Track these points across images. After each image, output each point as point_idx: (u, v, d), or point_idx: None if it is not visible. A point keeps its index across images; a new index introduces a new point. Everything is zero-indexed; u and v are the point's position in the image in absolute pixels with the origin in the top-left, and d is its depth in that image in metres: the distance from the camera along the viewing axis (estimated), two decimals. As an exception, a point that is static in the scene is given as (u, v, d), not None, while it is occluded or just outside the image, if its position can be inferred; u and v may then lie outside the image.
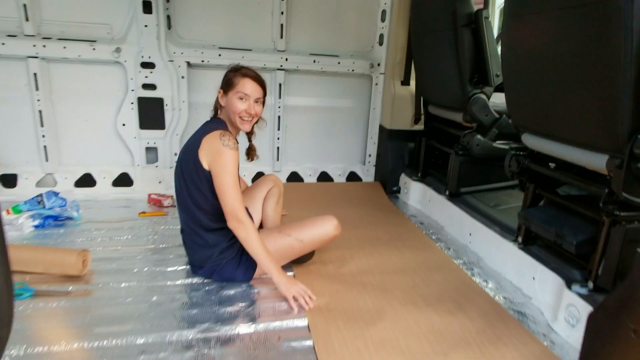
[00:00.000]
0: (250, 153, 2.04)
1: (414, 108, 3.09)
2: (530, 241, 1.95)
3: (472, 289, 1.92)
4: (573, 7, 1.34)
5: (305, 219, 1.95)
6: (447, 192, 2.62)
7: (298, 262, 1.98)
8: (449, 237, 2.47)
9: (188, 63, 2.87)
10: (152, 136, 2.90)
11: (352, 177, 3.39)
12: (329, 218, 1.92)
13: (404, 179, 3.10)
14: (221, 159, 1.64)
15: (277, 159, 3.23)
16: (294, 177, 3.27)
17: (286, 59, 3.01)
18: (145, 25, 2.68)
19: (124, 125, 2.85)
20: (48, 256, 1.80)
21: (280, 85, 3.06)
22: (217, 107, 1.84)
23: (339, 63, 3.10)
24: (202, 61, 2.87)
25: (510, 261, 2.00)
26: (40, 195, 2.34)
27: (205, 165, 1.67)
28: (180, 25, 2.86)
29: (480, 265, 2.14)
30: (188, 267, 1.93)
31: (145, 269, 1.91)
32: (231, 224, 1.65)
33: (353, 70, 3.14)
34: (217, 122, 1.78)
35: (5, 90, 2.68)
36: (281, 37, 3.00)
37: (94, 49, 2.67)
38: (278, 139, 3.19)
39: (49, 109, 2.76)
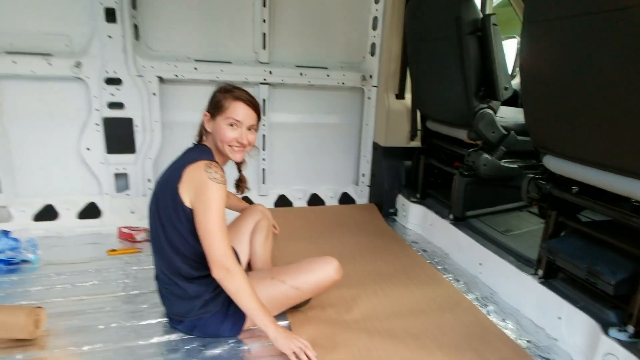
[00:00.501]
0: (240, 185, 1.84)
1: (410, 123, 2.92)
2: (552, 274, 1.78)
3: (490, 332, 1.73)
4: (611, 10, 1.19)
5: (301, 261, 1.74)
6: (451, 216, 2.45)
7: (294, 308, 1.76)
8: (456, 266, 2.29)
9: (160, 78, 2.63)
10: (121, 161, 2.65)
11: (345, 198, 3.20)
12: (328, 260, 1.71)
13: (401, 200, 2.92)
14: (206, 194, 1.41)
15: (263, 182, 3.01)
16: (283, 201, 3.05)
17: (270, 72, 2.81)
18: (109, 36, 2.43)
19: (88, 149, 2.59)
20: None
21: (264, 100, 2.86)
22: (202, 132, 1.62)
23: (327, 75, 2.92)
24: (176, 76, 2.65)
25: (530, 297, 1.83)
26: (-13, 236, 2.05)
27: (187, 202, 1.45)
28: (149, 35, 2.63)
29: (495, 301, 1.97)
30: (165, 320, 1.69)
31: (114, 325, 1.66)
32: (217, 273, 1.42)
33: (343, 83, 2.97)
34: (201, 151, 1.56)
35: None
36: (264, 47, 2.80)
37: (49, 64, 2.41)
38: (263, 159, 2.97)
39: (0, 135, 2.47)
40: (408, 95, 2.94)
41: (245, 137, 1.54)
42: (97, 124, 2.56)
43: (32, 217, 2.56)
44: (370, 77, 3.01)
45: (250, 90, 1.62)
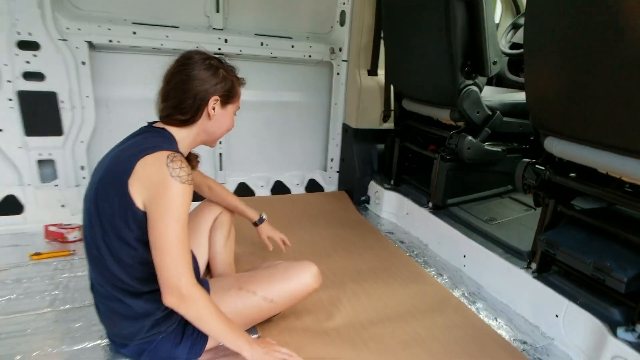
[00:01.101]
0: (193, 163, 1.51)
1: (384, 102, 2.73)
2: (546, 268, 1.68)
3: (483, 332, 1.61)
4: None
5: (273, 266, 1.51)
6: (430, 204, 2.31)
7: (264, 319, 1.53)
8: (437, 259, 2.16)
9: (90, 44, 2.23)
10: (45, 145, 2.24)
11: (313, 186, 2.97)
12: (306, 266, 1.49)
13: (374, 187, 2.75)
14: (166, 197, 1.10)
15: (220, 169, 2.71)
16: (243, 190, 2.77)
17: (225, 40, 2.48)
18: (18, -14, 2.00)
19: (0, 130, 2.15)
20: None
21: (219, 74, 2.53)
22: (198, 116, 1.27)
23: (292, 47, 2.65)
24: (110, 41, 2.26)
25: (522, 293, 1.72)
26: None
27: (139, 203, 1.12)
28: (74, -10, 2.21)
29: (483, 297, 1.85)
30: (105, 342, 1.40)
31: (36, 354, 1.35)
32: (168, 300, 1.13)
33: (310, 56, 2.71)
34: (162, 137, 1.23)
35: None
36: (217, 10, 2.47)
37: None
38: (220, 142, 2.66)
39: None
40: (381, 72, 2.74)
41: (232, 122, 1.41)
42: (11, 99, 2.13)
43: None
44: (340, 50, 2.77)
45: None
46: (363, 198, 2.82)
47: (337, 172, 2.99)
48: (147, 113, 2.44)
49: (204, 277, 1.71)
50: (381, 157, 2.81)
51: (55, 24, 2.11)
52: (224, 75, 1.30)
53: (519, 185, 1.72)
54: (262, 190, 2.82)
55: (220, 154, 2.69)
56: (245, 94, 2.64)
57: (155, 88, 2.42)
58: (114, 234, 1.16)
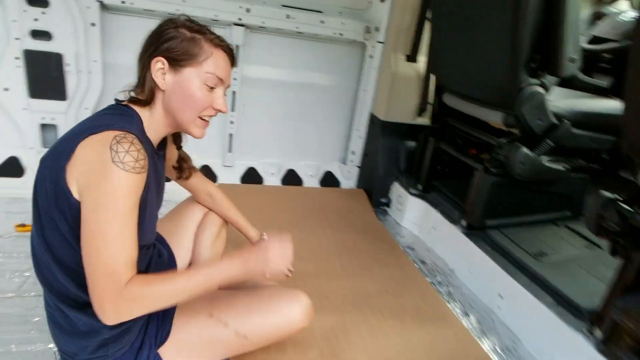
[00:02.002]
0: (184, 167, 1.21)
1: (421, 94, 2.19)
2: (617, 339, 1.16)
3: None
4: None
5: (256, 291, 1.11)
6: (463, 222, 1.79)
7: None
8: (465, 292, 1.66)
9: (101, 3, 1.82)
10: (48, 109, 1.89)
11: (328, 179, 2.49)
12: (295, 298, 1.08)
13: (397, 189, 2.24)
14: (103, 186, 0.76)
15: (229, 150, 2.27)
16: (251, 177, 2.33)
17: (247, 10, 1.99)
18: None
19: (6, 89, 1.82)
20: None
21: (237, 47, 2.06)
22: (152, 90, 0.90)
23: (322, 22, 2.12)
24: (123, 2, 1.83)
25: (576, 362, 1.21)
26: None
27: (75, 192, 0.78)
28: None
29: (520, 356, 1.36)
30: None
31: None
32: (98, 310, 0.77)
33: (341, 34, 2.18)
34: (120, 115, 0.88)
35: None
36: (241, -26, 1.97)
37: None
38: (232, 122, 2.22)
39: None
40: (422, 59, 2.18)
41: (225, 102, 0.97)
42: (18, 58, 1.78)
43: None
44: (377, 29, 2.21)
45: (220, 32, 0.94)
46: (383, 200, 2.32)
47: (358, 167, 2.49)
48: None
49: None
50: (410, 156, 2.29)
51: (66, -22, 1.71)
52: (171, 32, 0.88)
53: (590, 224, 1.18)
54: (272, 178, 2.36)
55: (231, 135, 2.24)
56: (263, 72, 2.17)
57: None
58: (51, 230, 0.82)
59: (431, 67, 2.07)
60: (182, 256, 1.26)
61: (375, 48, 2.24)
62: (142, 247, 0.95)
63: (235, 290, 1.14)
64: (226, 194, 2.03)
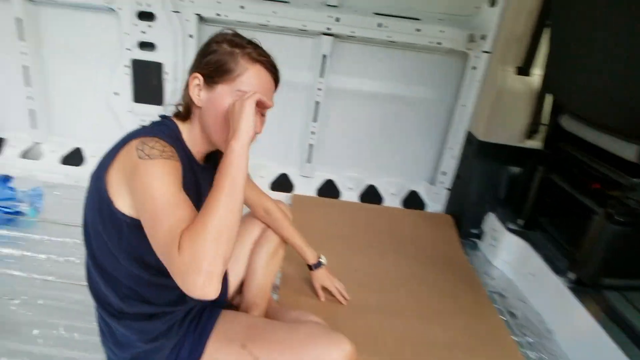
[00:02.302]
0: None
1: (532, 113, 1.83)
2: None
3: None
4: None
5: (293, 328, 1.01)
6: (571, 275, 1.40)
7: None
8: (562, 363, 1.29)
9: (199, 16, 1.96)
10: (148, 112, 2.10)
11: (412, 200, 2.25)
12: (336, 341, 0.94)
13: (492, 222, 1.90)
14: (138, 183, 0.74)
15: (308, 161, 2.23)
16: (328, 189, 2.24)
17: (337, 19, 1.93)
18: (144, -44, 1.81)
19: (116, 94, 2.10)
20: None
21: (324, 57, 2.02)
22: (189, 106, 0.89)
23: (417, 30, 1.93)
24: (218, 15, 1.94)
25: None
26: (-22, 182, 1.69)
27: (118, 203, 0.79)
28: (193, -41, 1.94)
29: None
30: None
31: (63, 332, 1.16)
32: (189, 280, 0.66)
33: (439, 43, 1.95)
34: (160, 125, 0.89)
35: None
36: (334, -16, 1.92)
37: (86, -12, 1.90)
38: (313, 133, 2.17)
39: (37, 65, 2.10)
40: (536, 73, 1.82)
41: (262, 123, 0.89)
42: (127, 66, 2.03)
43: (60, 159, 2.20)
44: (483, 37, 1.93)
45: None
46: (474, 231, 1.99)
47: (448, 189, 2.18)
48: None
49: (233, 298, 1.28)
50: (512, 184, 1.92)
51: (172, -6, 1.90)
52: (211, 47, 0.85)
53: None
54: (350, 193, 2.22)
55: (311, 145, 2.19)
56: (350, 82, 2.03)
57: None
58: (96, 240, 0.85)
59: (548, 83, 1.70)
60: (235, 270, 1.23)
61: (480, 58, 1.95)
62: None
63: (274, 321, 1.07)
64: (299, 205, 2.03)
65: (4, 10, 1.98)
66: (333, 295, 1.41)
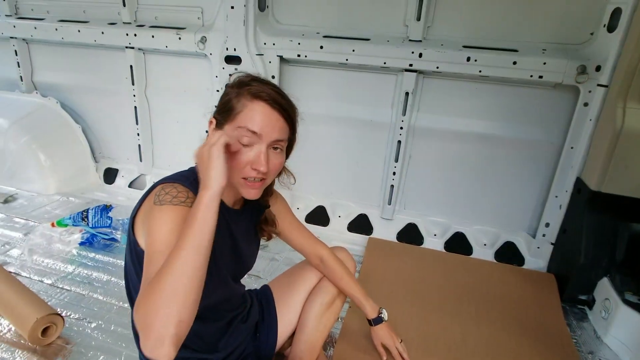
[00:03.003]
0: (265, 229, 1.12)
1: (663, 160, 1.54)
2: None
3: None
4: None
5: None
6: None
7: None
8: None
9: (281, 57, 2.08)
10: None
11: (508, 253, 2.03)
12: None
13: (606, 288, 1.61)
14: (148, 226, 0.81)
15: (389, 203, 2.17)
16: (411, 234, 2.15)
17: (420, 55, 1.87)
18: (232, 7, 1.99)
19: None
20: (12, 301, 1.38)
21: (407, 94, 1.97)
22: None
23: (514, 63, 1.77)
24: (298, 55, 2.03)
25: None
26: (87, 210, 2.01)
27: (140, 241, 0.88)
28: (278, 4, 2.08)
29: None
30: None
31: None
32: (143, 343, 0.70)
33: (541, 76, 1.76)
34: (184, 171, 0.95)
35: (113, 82, 2.48)
36: (418, 18, 1.87)
37: (179, 38, 2.17)
38: (394, 174, 2.12)
39: (143, 105, 2.46)
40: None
41: (266, 160, 0.88)
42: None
43: (161, 190, 2.53)
44: (598, 69, 1.69)
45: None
46: (583, 297, 1.72)
47: (552, 244, 1.93)
48: (328, 130, 2.10)
49: (281, 351, 1.30)
50: (634, 244, 1.62)
51: (255, 39, 2.05)
52: (229, 89, 0.92)
53: None
54: (433, 240, 2.10)
55: (392, 186, 2.13)
56: (437, 120, 2.02)
57: (338, 104, 2.12)
58: (128, 268, 0.95)
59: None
60: (287, 319, 1.23)
61: (594, 93, 1.71)
62: (218, 307, 0.97)
63: None
64: (374, 250, 1.98)
65: (122, 58, 2.35)
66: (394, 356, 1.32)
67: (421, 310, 1.63)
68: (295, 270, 1.30)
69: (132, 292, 0.95)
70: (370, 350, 1.36)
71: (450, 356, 1.41)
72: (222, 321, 1.03)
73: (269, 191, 1.08)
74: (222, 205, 0.93)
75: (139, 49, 2.31)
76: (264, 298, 1.25)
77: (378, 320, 1.28)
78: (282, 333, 1.22)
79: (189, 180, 0.89)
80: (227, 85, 0.94)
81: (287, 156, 0.99)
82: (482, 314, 1.64)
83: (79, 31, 2.33)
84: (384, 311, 1.30)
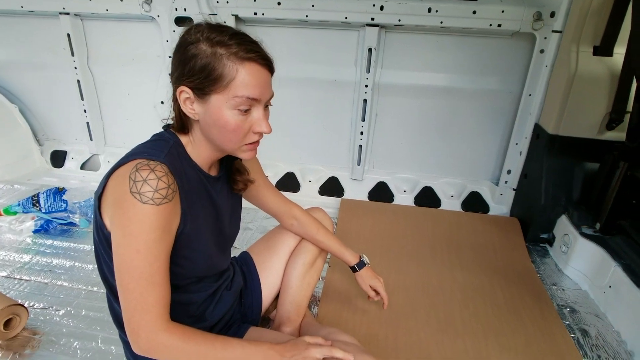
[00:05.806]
0: (238, 180, 1.04)
1: (614, 100, 1.67)
2: None
3: None
4: None
5: (330, 347, 0.96)
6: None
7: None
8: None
9: (236, 17, 2.01)
10: None
11: (474, 202, 2.17)
12: None
13: (565, 225, 1.78)
14: (123, 219, 0.76)
15: (358, 163, 2.23)
16: (381, 193, 2.23)
17: (381, 7, 1.88)
18: (178, -39, 1.89)
19: (162, 103, 2.24)
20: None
21: (370, 50, 1.98)
22: (183, 120, 0.88)
23: (473, 13, 1.83)
24: (255, 14, 1.98)
25: None
26: (37, 195, 1.91)
27: (107, 224, 0.81)
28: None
29: None
30: None
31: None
32: (135, 347, 0.81)
33: (499, 25, 1.83)
34: (158, 140, 0.86)
35: (50, 55, 2.30)
36: (376, -29, 1.87)
37: (121, 0, 2.03)
38: (362, 133, 2.16)
39: (87, 79, 2.31)
40: (619, 51, 1.65)
41: (267, 121, 0.86)
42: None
43: (116, 170, 2.43)
44: (552, 15, 1.78)
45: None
46: (544, 236, 1.89)
47: (514, 190, 2.08)
48: (291, 93, 2.08)
49: (269, 312, 1.35)
50: (589, 183, 1.78)
51: (207, -2, 1.97)
52: (189, 50, 0.79)
53: None
54: (404, 196, 2.20)
55: (360, 146, 2.18)
56: (400, 76, 2.03)
57: (300, 65, 2.09)
58: (99, 259, 0.90)
59: (634, 64, 1.54)
60: (270, 283, 1.26)
61: (549, 40, 1.80)
62: (203, 279, 0.98)
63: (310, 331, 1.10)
64: (347, 211, 2.04)
65: (56, 26, 2.17)
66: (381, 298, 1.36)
67: (397, 262, 1.72)
68: (273, 235, 1.32)
69: (107, 275, 0.90)
70: (353, 309, 1.45)
71: (428, 301, 1.52)
72: (208, 291, 1.04)
73: None
74: (201, 173, 0.90)
75: (75, 14, 2.14)
76: (244, 264, 1.27)
77: (361, 264, 1.31)
78: (266, 297, 1.26)
79: (164, 152, 0.82)
80: (188, 42, 0.80)
81: None
82: (454, 261, 1.76)
83: (1, -4, 2.13)
84: (364, 256, 1.33)
